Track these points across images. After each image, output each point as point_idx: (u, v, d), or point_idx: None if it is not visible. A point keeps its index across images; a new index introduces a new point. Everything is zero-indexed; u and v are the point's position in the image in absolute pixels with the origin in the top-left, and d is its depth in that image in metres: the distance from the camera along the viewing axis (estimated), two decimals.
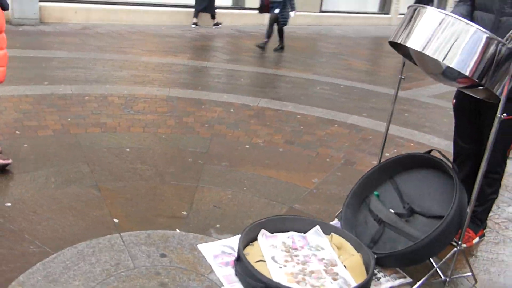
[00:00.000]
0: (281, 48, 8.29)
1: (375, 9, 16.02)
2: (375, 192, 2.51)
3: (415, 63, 2.37)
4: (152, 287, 1.91)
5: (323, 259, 2.17)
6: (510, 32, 1.86)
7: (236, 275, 2.03)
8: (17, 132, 3.34)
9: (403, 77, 2.54)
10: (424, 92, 6.31)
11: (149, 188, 2.77)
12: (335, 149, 3.79)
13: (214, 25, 10.10)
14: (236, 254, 2.12)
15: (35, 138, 3.28)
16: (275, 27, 8.08)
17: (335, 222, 2.54)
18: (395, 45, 2.26)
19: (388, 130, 2.66)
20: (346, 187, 3.04)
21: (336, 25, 13.84)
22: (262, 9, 8.41)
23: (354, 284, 1.97)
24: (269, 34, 8.12)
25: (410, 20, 2.04)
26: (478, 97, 2.27)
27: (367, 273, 2.03)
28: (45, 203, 2.46)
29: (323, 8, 13.68)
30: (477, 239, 2.57)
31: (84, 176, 2.81)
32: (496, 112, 1.98)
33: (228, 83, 5.58)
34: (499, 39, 1.84)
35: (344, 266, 2.11)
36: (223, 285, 1.97)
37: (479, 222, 2.55)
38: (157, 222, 2.40)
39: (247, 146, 3.62)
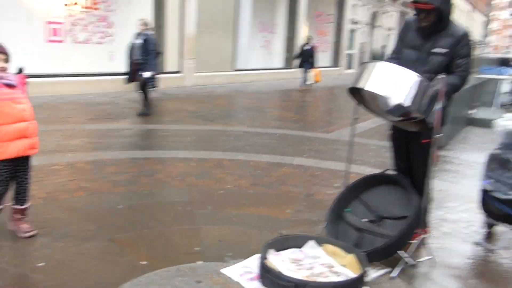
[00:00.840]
0: (146, 113, 7.57)
1: (281, 65, 17.64)
2: (348, 209, 3.17)
3: (365, 107, 3.14)
4: None
5: (324, 264, 2.74)
6: (436, 78, 2.70)
7: (264, 285, 2.51)
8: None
9: (357, 117, 3.29)
10: (345, 133, 7.31)
11: (157, 235, 3.15)
12: (293, 185, 4.44)
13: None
14: (255, 272, 2.61)
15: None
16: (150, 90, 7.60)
17: None
18: (353, 92, 3.01)
19: (350, 165, 3.36)
20: (315, 212, 3.69)
21: (250, 81, 15.02)
22: (131, 77, 7.67)
23: (355, 276, 2.56)
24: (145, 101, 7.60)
25: (364, 72, 2.82)
26: (409, 129, 3.08)
27: (361, 268, 2.63)
28: (74, 259, 2.74)
29: (236, 67, 14.83)
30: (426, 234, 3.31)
31: (95, 233, 3.11)
32: (419, 139, 2.80)
33: (178, 142, 6.05)
34: (429, 82, 2.66)
35: (342, 265, 2.69)
36: None
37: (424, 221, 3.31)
38: (180, 259, 2.80)
39: (221, 191, 4.13)
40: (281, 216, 3.63)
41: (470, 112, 8.93)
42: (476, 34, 60.66)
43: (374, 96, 2.83)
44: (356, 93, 3.03)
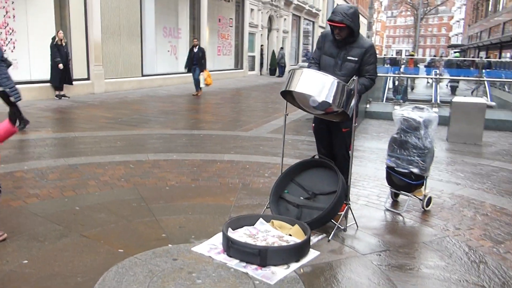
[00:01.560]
0: (23, 126, 6.99)
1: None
2: (286, 191, 3.80)
3: (294, 104, 3.77)
4: (184, 276, 2.76)
5: (274, 235, 3.32)
6: (350, 80, 3.42)
7: (229, 255, 3.01)
8: None
9: (287, 114, 3.91)
10: (261, 130, 8.03)
11: (123, 228, 3.48)
12: (230, 178, 4.97)
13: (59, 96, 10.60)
14: (220, 247, 3.12)
15: None
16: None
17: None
18: (284, 94, 3.63)
19: (282, 165, 3.99)
20: (254, 198, 4.27)
21: (158, 86, 15.18)
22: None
23: (302, 240, 3.17)
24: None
25: (293, 77, 3.44)
26: (332, 120, 3.79)
27: (306, 234, 3.25)
28: (55, 254, 2.99)
29: (144, 73, 14.89)
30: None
31: (65, 232, 3.35)
32: (340, 129, 3.54)
33: (109, 147, 6.24)
34: (345, 84, 3.36)
35: (289, 234, 3.30)
36: (225, 263, 2.94)
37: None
38: (151, 244, 3.18)
39: (167, 188, 4.52)
40: (227, 203, 4.14)
41: (366, 106, 10.20)
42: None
43: (303, 96, 3.48)
44: (287, 93, 3.65)
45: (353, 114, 3.45)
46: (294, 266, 2.95)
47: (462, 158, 6.46)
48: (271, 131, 7.95)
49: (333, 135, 3.89)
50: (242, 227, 3.43)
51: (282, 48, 27.14)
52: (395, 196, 4.32)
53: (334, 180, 3.64)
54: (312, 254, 3.14)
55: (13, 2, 10.29)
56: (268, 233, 3.36)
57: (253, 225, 3.46)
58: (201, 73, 13.16)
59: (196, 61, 13.11)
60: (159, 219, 3.69)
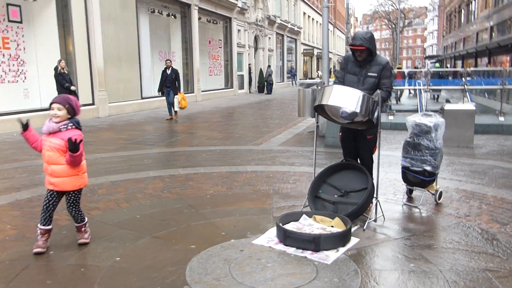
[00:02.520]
0: None
1: (182, 90, 18.55)
2: (320, 191, 4.39)
3: (324, 116, 4.39)
4: (255, 262, 3.31)
5: (318, 227, 3.89)
6: (374, 93, 4.06)
7: (286, 245, 3.57)
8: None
9: (318, 123, 4.53)
10: (271, 144, 8.64)
11: (186, 230, 4.01)
12: (259, 185, 5.54)
13: None
14: (276, 239, 3.68)
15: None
16: None
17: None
18: (316, 107, 4.25)
19: (315, 169, 4.59)
20: (289, 201, 4.85)
21: (156, 108, 15.71)
22: None
23: (345, 229, 3.75)
24: None
25: (325, 93, 4.07)
26: (358, 128, 4.41)
27: (346, 224, 3.83)
28: (140, 252, 3.52)
29: (144, 95, 15.43)
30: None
31: (138, 235, 3.87)
32: (365, 136, 4.17)
33: (140, 164, 6.74)
34: (370, 96, 4.00)
35: (331, 226, 3.88)
36: (285, 250, 3.50)
37: None
38: (216, 241, 3.73)
39: (208, 196, 5.07)
40: (266, 206, 4.71)
41: None
42: (341, 50, 67.98)
43: (334, 108, 4.11)
44: (318, 107, 4.27)
45: (378, 122, 4.08)
46: (342, 250, 3.53)
47: (459, 159, 7.16)
48: (280, 144, 8.57)
49: (359, 142, 4.50)
50: (289, 222, 4.00)
51: (269, 66, 28.01)
52: (409, 192, 4.95)
53: (362, 179, 4.26)
54: (354, 240, 3.72)
55: (23, 36, 10.79)
56: (312, 226, 3.94)
57: (298, 221, 4.03)
58: (175, 96, 12.52)
59: (169, 84, 12.47)
60: (213, 221, 4.23)
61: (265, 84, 26.31)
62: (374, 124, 4.11)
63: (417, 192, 4.95)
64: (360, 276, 3.10)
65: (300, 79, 39.17)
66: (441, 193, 4.80)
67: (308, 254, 3.45)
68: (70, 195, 3.57)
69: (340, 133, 4.68)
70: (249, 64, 26.38)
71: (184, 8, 18.54)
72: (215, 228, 4.05)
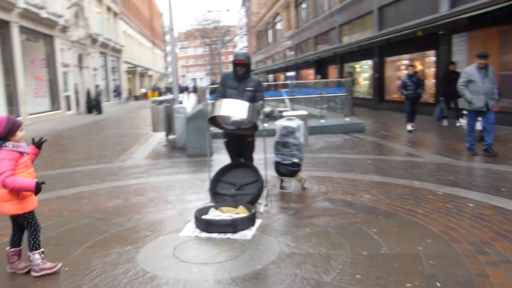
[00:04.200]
0: None
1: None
2: (218, 188, 5.23)
3: (215, 126, 5.24)
4: (191, 247, 3.97)
5: (226, 216, 4.72)
6: (258, 103, 5.08)
7: (209, 232, 4.31)
8: None
9: (226, 140, 5.35)
10: (136, 160, 9.03)
11: (114, 236, 4.38)
12: (153, 194, 6.06)
13: None
14: (198, 230, 4.40)
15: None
16: None
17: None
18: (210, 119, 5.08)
19: (210, 173, 5.39)
20: (186, 203, 5.53)
21: None
22: None
23: (251, 213, 4.66)
24: None
25: (216, 106, 4.94)
26: (241, 133, 5.38)
27: (250, 210, 4.74)
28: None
29: None
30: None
31: (69, 247, 4.10)
32: (247, 139, 5.23)
33: None
34: (254, 105, 5.02)
35: (237, 213, 4.75)
36: (210, 236, 4.23)
37: None
38: (147, 240, 4.24)
39: (111, 209, 5.40)
40: (169, 209, 5.31)
41: None
42: (159, 67, 68.87)
43: (227, 117, 5.01)
44: (212, 120, 5.11)
45: (257, 126, 5.13)
46: (253, 228, 4.44)
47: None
48: (145, 158, 9.06)
49: (243, 144, 5.49)
50: (201, 216, 4.73)
51: (98, 85, 27.22)
52: (281, 181, 6.14)
53: (251, 174, 5.25)
54: (258, 221, 4.67)
55: None
56: (221, 215, 4.75)
57: (207, 214, 4.79)
58: None
59: None
60: (132, 227, 4.68)
61: (94, 104, 25.50)
62: (257, 129, 5.14)
63: (286, 183, 6.17)
64: (277, 242, 4.06)
65: (125, 97, 38.75)
66: (305, 179, 6.11)
67: (229, 235, 4.27)
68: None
69: (226, 139, 5.59)
70: (75, 84, 25.24)
71: (2, 26, 17.03)
72: (138, 231, 4.52)
